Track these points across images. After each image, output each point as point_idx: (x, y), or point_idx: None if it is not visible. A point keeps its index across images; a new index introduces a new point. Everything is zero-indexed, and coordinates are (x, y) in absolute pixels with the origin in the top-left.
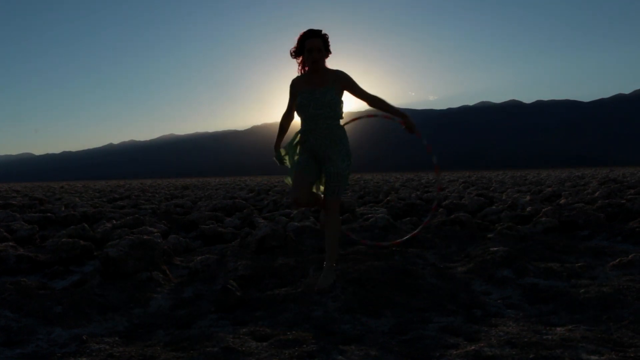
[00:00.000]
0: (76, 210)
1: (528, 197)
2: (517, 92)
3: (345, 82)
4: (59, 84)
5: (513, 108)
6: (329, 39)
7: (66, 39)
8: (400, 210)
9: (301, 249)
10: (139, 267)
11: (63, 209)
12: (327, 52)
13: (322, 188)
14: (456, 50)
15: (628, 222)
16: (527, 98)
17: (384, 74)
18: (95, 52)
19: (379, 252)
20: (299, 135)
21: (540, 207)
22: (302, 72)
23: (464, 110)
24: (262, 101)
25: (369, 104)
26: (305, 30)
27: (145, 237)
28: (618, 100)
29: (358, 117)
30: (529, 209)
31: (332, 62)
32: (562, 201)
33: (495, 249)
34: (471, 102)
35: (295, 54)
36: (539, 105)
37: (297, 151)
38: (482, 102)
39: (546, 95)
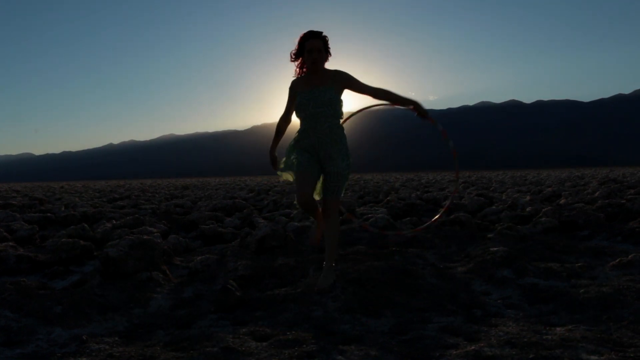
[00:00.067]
0: (76, 210)
1: (528, 197)
2: (517, 92)
3: (345, 81)
4: (59, 84)
5: (513, 108)
6: (329, 41)
7: (66, 39)
8: (400, 210)
9: (301, 249)
10: (139, 267)
11: (63, 209)
12: (327, 53)
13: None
14: (456, 50)
15: (628, 222)
16: (527, 98)
17: (384, 74)
18: (95, 52)
19: (379, 252)
20: (298, 134)
21: (540, 207)
22: (301, 73)
23: (464, 110)
24: (262, 101)
25: (375, 97)
26: (305, 31)
27: (145, 237)
28: (618, 100)
29: (365, 108)
30: (529, 209)
31: (332, 63)
32: (562, 201)
33: (495, 249)
34: (471, 102)
35: (296, 55)
36: (539, 105)
37: (294, 153)
38: (482, 102)
39: (546, 95)
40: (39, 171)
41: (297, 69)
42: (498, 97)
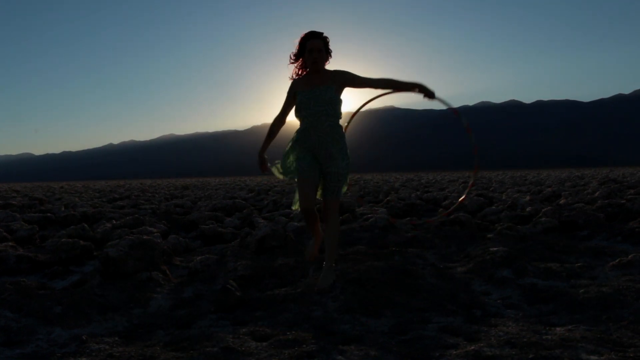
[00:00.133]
0: (76, 210)
1: (528, 197)
2: (517, 92)
3: (345, 78)
4: (59, 84)
5: (513, 108)
6: (330, 43)
7: (66, 39)
8: (400, 210)
9: (301, 249)
10: (138, 267)
11: (63, 209)
12: (328, 54)
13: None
14: (456, 50)
15: (628, 222)
16: (527, 98)
17: (384, 74)
18: (95, 52)
19: (378, 252)
20: (297, 134)
21: (540, 207)
22: (300, 75)
23: (464, 110)
24: (262, 101)
25: (378, 87)
26: (306, 32)
27: (145, 237)
28: (618, 100)
29: (371, 100)
30: (528, 209)
31: (332, 63)
32: (562, 201)
33: (495, 249)
34: (471, 102)
35: (296, 56)
36: (539, 105)
37: (292, 154)
38: (482, 102)
39: (546, 95)
40: (39, 171)
41: (296, 69)
42: (498, 97)
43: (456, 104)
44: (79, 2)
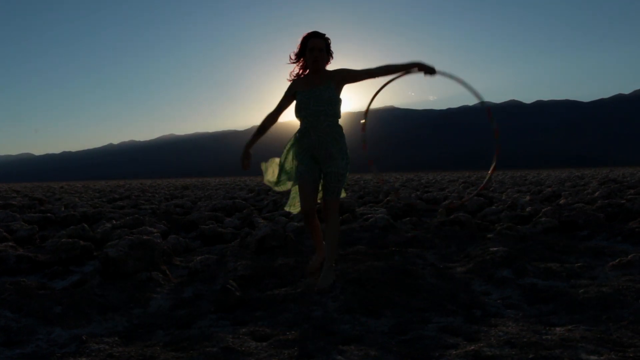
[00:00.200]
0: (76, 210)
1: (528, 197)
2: (517, 92)
3: (342, 75)
4: (59, 84)
5: (513, 108)
6: (331, 43)
7: (66, 39)
8: (400, 211)
9: (301, 249)
10: (138, 267)
11: (63, 209)
12: (329, 55)
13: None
14: (456, 50)
15: (628, 222)
16: (527, 98)
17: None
18: (95, 52)
19: (379, 252)
20: (297, 134)
21: (540, 207)
22: (300, 74)
23: (464, 111)
24: (262, 101)
25: (377, 76)
26: (308, 32)
27: (145, 237)
28: (618, 100)
29: (379, 90)
30: (528, 209)
31: (333, 63)
32: (562, 201)
33: (495, 249)
34: (471, 102)
35: (297, 55)
36: (539, 105)
37: (291, 155)
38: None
39: (546, 95)
40: (39, 171)
41: (296, 68)
42: (498, 97)
43: (456, 104)
44: (79, 2)
